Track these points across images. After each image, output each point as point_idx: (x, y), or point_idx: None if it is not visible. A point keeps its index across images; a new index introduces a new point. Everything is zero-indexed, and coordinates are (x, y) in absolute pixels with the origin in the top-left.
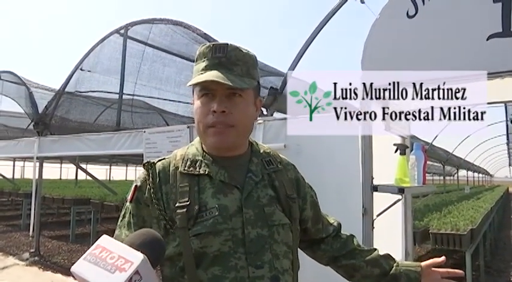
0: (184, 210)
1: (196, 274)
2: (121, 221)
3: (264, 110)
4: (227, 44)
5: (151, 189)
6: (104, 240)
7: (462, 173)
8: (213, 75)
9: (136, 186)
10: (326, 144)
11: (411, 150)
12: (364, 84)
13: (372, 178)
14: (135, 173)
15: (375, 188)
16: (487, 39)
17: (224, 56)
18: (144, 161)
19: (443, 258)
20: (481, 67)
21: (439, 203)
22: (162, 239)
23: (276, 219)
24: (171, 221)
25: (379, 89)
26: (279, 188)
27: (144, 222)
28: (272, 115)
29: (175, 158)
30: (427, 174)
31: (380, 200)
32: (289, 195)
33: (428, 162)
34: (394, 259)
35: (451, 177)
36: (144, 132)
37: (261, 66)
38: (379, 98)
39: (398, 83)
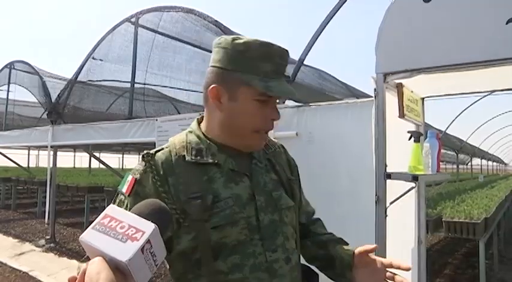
0: (199, 201)
1: (215, 265)
2: None
3: None
4: (288, 51)
5: (157, 182)
6: (112, 209)
7: (476, 161)
8: (289, 90)
9: (135, 179)
10: (338, 132)
11: (425, 138)
12: (378, 70)
13: (386, 166)
14: None
15: (388, 176)
16: (506, 23)
17: (286, 65)
18: (143, 152)
19: (375, 245)
20: (499, 52)
21: (453, 192)
22: (168, 209)
23: (284, 203)
24: (183, 213)
25: (393, 75)
26: (280, 171)
27: None
28: (284, 103)
29: (175, 147)
30: (440, 163)
31: (393, 188)
32: (289, 177)
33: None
34: (344, 242)
35: (465, 166)
36: (156, 120)
37: None
38: (393, 85)
39: (413, 69)
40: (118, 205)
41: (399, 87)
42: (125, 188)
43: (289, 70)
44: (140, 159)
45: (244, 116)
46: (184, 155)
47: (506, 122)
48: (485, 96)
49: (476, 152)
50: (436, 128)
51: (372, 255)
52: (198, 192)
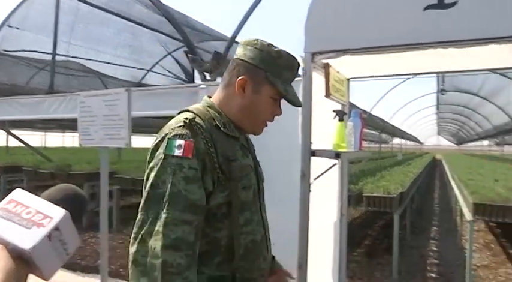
0: (237, 163)
1: (236, 219)
2: (173, 176)
3: (207, 74)
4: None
5: (208, 144)
6: (18, 194)
7: (397, 140)
8: (298, 97)
9: (192, 141)
10: None
11: (349, 117)
12: (306, 49)
13: (310, 143)
14: (72, 140)
15: (313, 153)
16: (424, 10)
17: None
18: (183, 118)
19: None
20: (418, 37)
21: (374, 169)
22: (84, 195)
23: (263, 177)
24: (222, 172)
25: (321, 55)
26: (253, 151)
27: (200, 177)
28: (215, 80)
29: (204, 116)
30: (364, 142)
31: (320, 164)
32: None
33: (366, 130)
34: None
35: (387, 145)
36: (79, 95)
37: (207, 30)
38: (321, 65)
39: (339, 50)
40: (171, 168)
41: (326, 67)
42: (179, 152)
43: (222, 48)
44: (180, 124)
45: (261, 108)
46: (217, 125)
47: (423, 104)
48: (407, 79)
49: (396, 132)
50: (361, 109)
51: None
52: (233, 156)
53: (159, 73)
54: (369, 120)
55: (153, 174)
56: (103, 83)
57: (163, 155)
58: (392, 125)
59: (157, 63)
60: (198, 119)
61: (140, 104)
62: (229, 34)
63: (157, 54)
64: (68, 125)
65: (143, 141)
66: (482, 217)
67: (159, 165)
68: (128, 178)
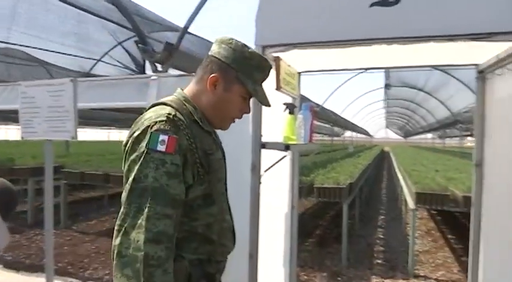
0: (214, 156)
1: (211, 209)
2: (155, 171)
3: (158, 65)
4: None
5: (190, 139)
6: None
7: (348, 133)
8: (267, 98)
9: (175, 137)
10: None
11: (300, 110)
12: (257, 42)
13: (261, 136)
14: (17, 133)
15: (263, 145)
16: (370, 7)
17: (268, 78)
18: (165, 112)
19: None
20: (365, 33)
21: (326, 161)
22: (13, 189)
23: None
24: (202, 166)
25: (272, 48)
26: (220, 142)
27: (180, 172)
28: (167, 71)
29: (182, 111)
30: (318, 135)
31: (272, 157)
32: None
33: (319, 123)
34: None
35: (339, 138)
36: (20, 85)
37: (159, 20)
38: (272, 58)
39: (289, 43)
40: (154, 163)
41: (277, 61)
42: (162, 147)
43: (174, 38)
44: (163, 118)
45: (230, 105)
46: (195, 119)
47: (372, 98)
48: (358, 73)
49: (348, 125)
50: (315, 102)
51: None
52: (211, 150)
53: (109, 63)
54: (322, 114)
55: (136, 167)
56: (49, 72)
57: (145, 149)
58: (344, 119)
59: (106, 53)
60: (179, 115)
61: (88, 95)
62: (182, 24)
63: (105, 44)
64: (11, 117)
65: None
66: (424, 205)
67: (141, 159)
68: (76, 172)
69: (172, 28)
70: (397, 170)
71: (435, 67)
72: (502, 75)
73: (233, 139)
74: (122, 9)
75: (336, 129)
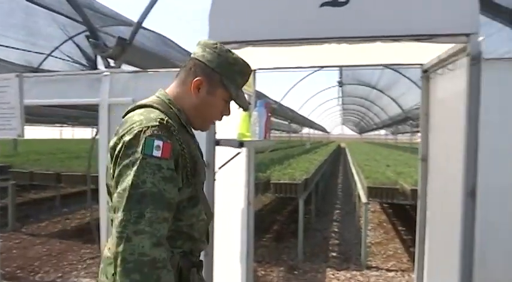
0: (201, 160)
1: (194, 211)
2: (153, 176)
3: (111, 61)
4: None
5: (182, 145)
6: None
7: (306, 130)
8: (247, 103)
9: (170, 143)
10: None
11: (255, 107)
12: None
13: (215, 133)
14: None
15: (217, 142)
16: (320, 6)
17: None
18: (156, 117)
19: None
20: (315, 32)
21: (283, 157)
22: None
23: None
24: (190, 170)
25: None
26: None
27: (175, 176)
28: (120, 67)
29: (169, 114)
30: (276, 131)
31: (227, 154)
32: None
33: (277, 120)
34: None
35: (297, 134)
36: None
37: (112, 14)
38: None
39: (242, 41)
40: (151, 169)
41: None
42: (157, 153)
43: (128, 33)
44: (155, 123)
45: (212, 108)
46: (182, 123)
47: (329, 96)
48: (315, 71)
49: (305, 122)
50: (272, 99)
51: None
52: (196, 154)
53: (59, 58)
54: (279, 111)
55: (131, 173)
56: None
57: (141, 155)
58: (301, 115)
59: (57, 48)
60: (170, 120)
61: (36, 91)
62: (135, 19)
63: (56, 38)
64: None
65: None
66: (375, 199)
67: (137, 164)
68: (25, 172)
69: (126, 22)
70: (351, 166)
71: (385, 66)
72: (443, 75)
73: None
74: (73, 3)
75: (294, 125)
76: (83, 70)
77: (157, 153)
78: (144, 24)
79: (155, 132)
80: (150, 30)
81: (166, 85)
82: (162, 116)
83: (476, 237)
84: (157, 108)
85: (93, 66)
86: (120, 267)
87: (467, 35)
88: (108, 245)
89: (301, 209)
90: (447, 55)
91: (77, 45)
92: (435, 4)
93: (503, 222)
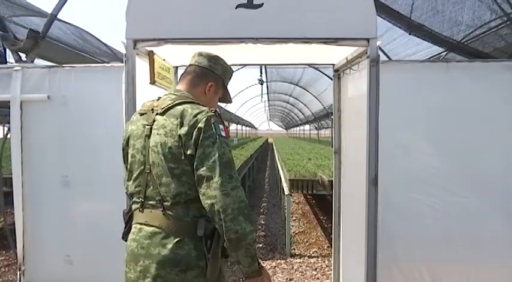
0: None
1: None
2: (227, 149)
3: (22, 55)
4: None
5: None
6: None
7: (233, 126)
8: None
9: (226, 126)
10: (95, 96)
11: None
12: (128, 35)
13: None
14: None
15: None
16: (236, 8)
17: None
18: (209, 109)
19: None
20: (231, 32)
21: None
22: None
23: None
24: None
25: (143, 43)
26: None
27: None
28: (32, 62)
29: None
30: None
31: None
32: None
33: None
34: None
35: None
36: None
37: (23, 4)
38: (145, 52)
39: (160, 39)
40: (224, 144)
41: (150, 55)
42: (223, 133)
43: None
44: (212, 113)
45: (213, 103)
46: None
47: (254, 92)
48: (239, 69)
49: (233, 118)
50: None
51: None
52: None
53: None
54: None
55: (215, 149)
56: None
57: (217, 136)
58: (228, 111)
59: None
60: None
61: None
62: (50, 10)
63: None
64: None
65: None
66: (297, 190)
67: (217, 143)
68: None
69: (40, 13)
70: (277, 160)
71: (303, 65)
72: (350, 75)
73: (106, 132)
74: None
75: None
76: None
77: (223, 133)
78: (60, 16)
79: (217, 119)
80: (66, 23)
81: (83, 81)
82: (211, 108)
83: (384, 219)
84: (197, 103)
85: (3, 60)
86: (231, 215)
87: (367, 39)
88: (207, 201)
89: None
90: (353, 57)
91: None
92: (340, 11)
93: (405, 206)
